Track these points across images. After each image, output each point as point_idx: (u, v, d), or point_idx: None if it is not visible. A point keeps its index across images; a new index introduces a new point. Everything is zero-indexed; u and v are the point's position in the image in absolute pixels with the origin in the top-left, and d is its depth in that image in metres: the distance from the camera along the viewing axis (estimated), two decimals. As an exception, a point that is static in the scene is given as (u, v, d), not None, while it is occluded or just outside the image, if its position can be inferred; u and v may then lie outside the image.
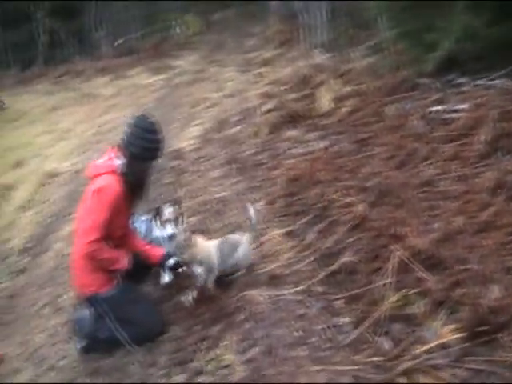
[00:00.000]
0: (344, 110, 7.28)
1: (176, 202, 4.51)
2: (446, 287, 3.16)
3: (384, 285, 3.39)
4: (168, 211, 4.27)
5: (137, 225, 4.63)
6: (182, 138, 9.25)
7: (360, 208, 4.26)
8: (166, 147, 8.63)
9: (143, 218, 4.72)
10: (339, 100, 7.73)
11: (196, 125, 9.89)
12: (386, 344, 3.07)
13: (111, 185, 3.80)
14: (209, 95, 12.07)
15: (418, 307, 3.17)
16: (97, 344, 4.12)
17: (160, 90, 14.86)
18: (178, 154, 8.27)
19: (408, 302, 3.24)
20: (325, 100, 7.96)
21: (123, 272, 4.07)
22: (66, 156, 10.39)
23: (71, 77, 20.02)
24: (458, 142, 4.96)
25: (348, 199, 4.48)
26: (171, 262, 4.16)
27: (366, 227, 4.02)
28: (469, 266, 3.27)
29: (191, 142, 8.77)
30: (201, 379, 3.43)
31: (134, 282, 4.33)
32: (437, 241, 3.59)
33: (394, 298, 3.26)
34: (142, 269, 4.37)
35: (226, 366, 3.41)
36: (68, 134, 12.27)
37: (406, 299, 3.25)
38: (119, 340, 3.94)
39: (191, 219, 5.64)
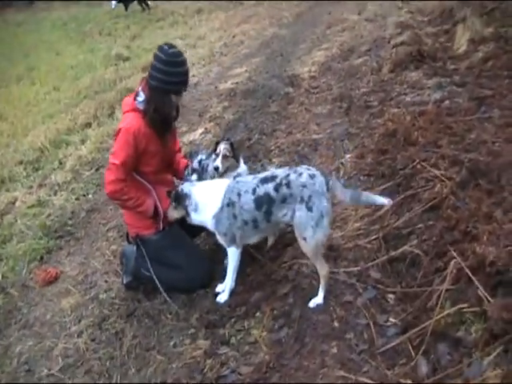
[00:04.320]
0: (476, 55, 6.39)
1: (233, 142, 4.21)
2: (510, 318, 2.60)
3: (441, 291, 2.87)
4: (222, 147, 4.04)
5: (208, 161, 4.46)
6: (305, 62, 8.81)
7: (445, 186, 3.67)
8: (286, 70, 8.53)
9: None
10: (476, 42, 6.80)
11: (324, 49, 9.37)
12: (425, 367, 2.62)
13: (130, 124, 3.64)
14: (347, 16, 11.39)
15: (471, 331, 2.64)
16: (139, 283, 4.06)
17: (302, 4, 14.26)
18: (294, 81, 7.91)
19: (461, 321, 2.70)
20: (461, 40, 7.08)
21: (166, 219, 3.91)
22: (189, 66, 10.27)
23: (222, -21, 19.91)
24: None
25: (437, 171, 3.89)
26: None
27: (444, 213, 3.41)
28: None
29: (312, 68, 8.31)
30: (223, 350, 3.25)
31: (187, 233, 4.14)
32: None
33: (447, 311, 2.75)
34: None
35: (252, 343, 3.21)
36: (200, 42, 12.20)
37: (460, 316, 2.72)
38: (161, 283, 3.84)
39: (275, 160, 5.34)
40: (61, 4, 25.35)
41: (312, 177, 3.27)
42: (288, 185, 3.28)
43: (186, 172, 4.43)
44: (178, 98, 3.77)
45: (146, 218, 3.84)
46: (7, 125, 9.44)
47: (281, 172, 3.40)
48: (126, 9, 17.76)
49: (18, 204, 6.28)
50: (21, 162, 7.37)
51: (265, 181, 3.38)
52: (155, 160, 3.84)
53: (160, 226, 3.92)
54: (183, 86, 3.69)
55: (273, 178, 3.37)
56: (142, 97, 3.69)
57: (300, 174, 3.29)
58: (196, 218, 3.64)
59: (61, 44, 16.05)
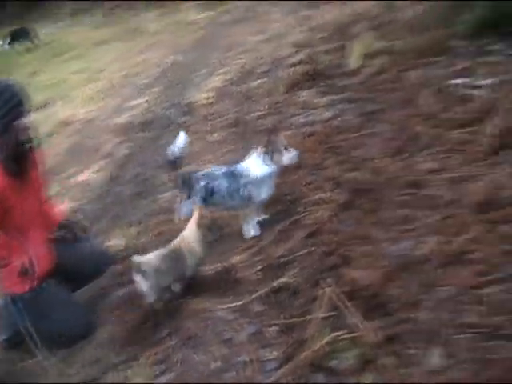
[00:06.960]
0: (368, 70, 6.45)
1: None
2: (380, 342, 2.49)
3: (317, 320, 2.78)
4: (279, 139, 3.70)
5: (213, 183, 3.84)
6: (202, 88, 8.65)
7: (326, 210, 3.60)
8: (184, 98, 8.35)
9: (222, 170, 3.92)
10: (368, 57, 6.86)
11: (221, 73, 9.25)
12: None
13: None
14: (247, 38, 11.37)
15: (346, 359, 2.54)
16: (19, 341, 3.73)
17: (203, 28, 14.22)
18: (191, 109, 7.76)
19: (337, 349, 2.60)
20: (354, 56, 7.11)
21: (41, 274, 3.62)
22: (87, 101, 10.05)
23: (123, 10, 19.63)
24: (468, 129, 4.13)
25: (321, 195, 3.81)
26: None
27: (323, 238, 3.36)
28: (417, 315, 2.59)
29: (208, 94, 8.15)
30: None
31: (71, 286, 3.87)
32: (391, 271, 2.88)
33: (324, 340, 2.63)
34: (83, 275, 3.96)
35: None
36: (100, 75, 11.98)
37: (335, 345, 2.62)
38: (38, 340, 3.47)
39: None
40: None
41: None
42: None
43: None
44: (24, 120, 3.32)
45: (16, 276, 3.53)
46: None
47: None
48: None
49: None
50: None
51: None
52: (13, 216, 3.43)
53: (34, 283, 3.60)
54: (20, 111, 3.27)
55: None
56: None
57: None
58: None
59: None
